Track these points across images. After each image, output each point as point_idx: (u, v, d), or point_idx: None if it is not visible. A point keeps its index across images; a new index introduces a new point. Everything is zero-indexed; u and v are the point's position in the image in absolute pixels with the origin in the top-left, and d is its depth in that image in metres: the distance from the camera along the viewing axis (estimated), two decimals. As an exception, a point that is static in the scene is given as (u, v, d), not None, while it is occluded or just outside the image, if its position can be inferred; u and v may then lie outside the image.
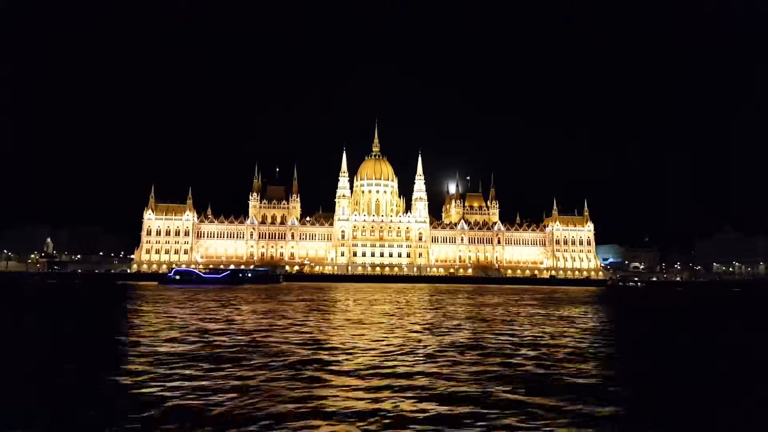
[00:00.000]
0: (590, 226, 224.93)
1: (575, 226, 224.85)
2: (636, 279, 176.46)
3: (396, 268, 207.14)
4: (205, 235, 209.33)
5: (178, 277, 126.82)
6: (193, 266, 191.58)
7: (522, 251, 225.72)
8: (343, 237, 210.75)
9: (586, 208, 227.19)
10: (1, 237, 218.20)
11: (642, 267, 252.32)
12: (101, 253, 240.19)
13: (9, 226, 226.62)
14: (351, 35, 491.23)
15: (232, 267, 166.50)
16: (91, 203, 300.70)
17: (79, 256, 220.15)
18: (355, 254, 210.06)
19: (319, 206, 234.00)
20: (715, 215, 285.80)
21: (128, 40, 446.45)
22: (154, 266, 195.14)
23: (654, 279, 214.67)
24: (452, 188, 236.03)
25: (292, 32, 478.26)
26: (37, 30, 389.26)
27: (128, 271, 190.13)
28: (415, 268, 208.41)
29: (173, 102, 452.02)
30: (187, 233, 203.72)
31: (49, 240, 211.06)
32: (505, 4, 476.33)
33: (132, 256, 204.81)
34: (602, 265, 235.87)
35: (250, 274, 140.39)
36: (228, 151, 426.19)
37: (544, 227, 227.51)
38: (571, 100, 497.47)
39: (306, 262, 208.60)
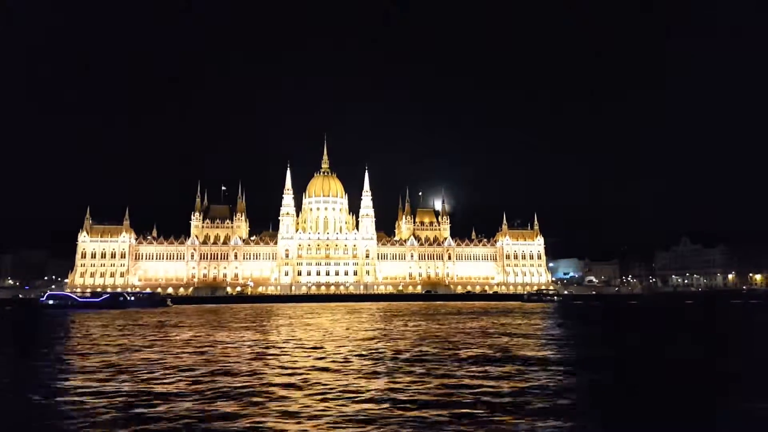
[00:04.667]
0: (540, 240, 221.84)
1: (525, 240, 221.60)
2: (552, 293, 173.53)
3: (342, 287, 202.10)
4: (144, 257, 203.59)
5: (51, 302, 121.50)
6: (129, 289, 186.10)
7: (474, 267, 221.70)
8: (287, 256, 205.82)
9: (536, 222, 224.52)
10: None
11: (597, 281, 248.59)
12: (46, 278, 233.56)
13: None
14: (299, 49, 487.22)
15: (151, 291, 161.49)
16: (38, 228, 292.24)
17: (12, 282, 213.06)
18: (300, 273, 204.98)
19: (269, 225, 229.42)
20: (675, 228, 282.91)
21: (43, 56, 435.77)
22: (88, 290, 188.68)
23: (595, 293, 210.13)
24: (403, 204, 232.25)
25: (234, 44, 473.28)
26: None
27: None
28: (362, 287, 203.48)
29: (116, 119, 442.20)
30: (123, 255, 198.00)
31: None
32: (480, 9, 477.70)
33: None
34: (553, 279, 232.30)
35: (132, 297, 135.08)
36: (171, 172, 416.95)
37: (495, 242, 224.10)
38: (529, 113, 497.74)
39: (249, 283, 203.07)
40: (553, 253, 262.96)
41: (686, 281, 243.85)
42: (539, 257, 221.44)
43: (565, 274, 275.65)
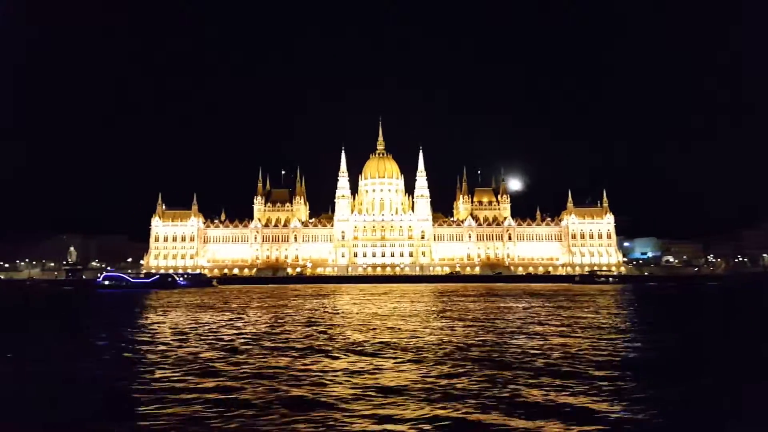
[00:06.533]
0: (610, 218, 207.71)
1: (593, 218, 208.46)
2: (606, 274, 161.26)
3: (398, 269, 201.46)
4: (212, 240, 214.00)
5: (107, 282, 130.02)
6: (199, 270, 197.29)
7: (537, 247, 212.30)
8: (343, 238, 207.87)
9: (605, 199, 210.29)
10: (36, 247, 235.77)
11: (677, 261, 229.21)
12: (128, 260, 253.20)
13: (45, 236, 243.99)
14: (352, 34, 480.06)
15: (198, 272, 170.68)
16: (120, 214, 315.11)
17: (97, 264, 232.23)
18: (356, 255, 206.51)
19: (328, 208, 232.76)
20: (765, 203, 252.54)
21: (129, 46, 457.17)
22: (162, 271, 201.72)
23: (669, 274, 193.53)
24: (461, 184, 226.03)
25: (292, 32, 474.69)
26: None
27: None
28: (417, 268, 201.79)
29: (183, 108, 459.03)
30: (192, 239, 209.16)
31: (72, 249, 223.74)
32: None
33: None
34: (626, 259, 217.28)
35: (180, 278, 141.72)
36: (238, 157, 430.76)
37: (560, 221, 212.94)
38: (599, 89, 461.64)
39: (308, 264, 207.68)
40: (627, 232, 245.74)
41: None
42: (608, 236, 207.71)
43: (642, 254, 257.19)
